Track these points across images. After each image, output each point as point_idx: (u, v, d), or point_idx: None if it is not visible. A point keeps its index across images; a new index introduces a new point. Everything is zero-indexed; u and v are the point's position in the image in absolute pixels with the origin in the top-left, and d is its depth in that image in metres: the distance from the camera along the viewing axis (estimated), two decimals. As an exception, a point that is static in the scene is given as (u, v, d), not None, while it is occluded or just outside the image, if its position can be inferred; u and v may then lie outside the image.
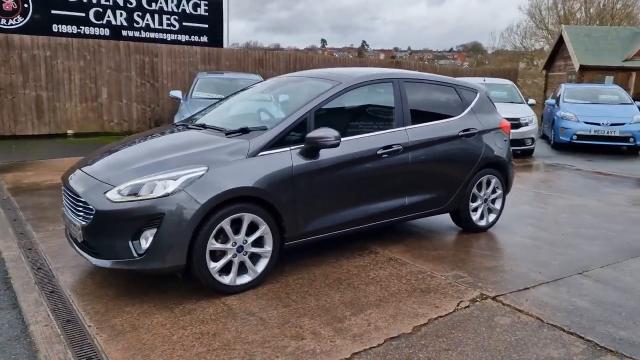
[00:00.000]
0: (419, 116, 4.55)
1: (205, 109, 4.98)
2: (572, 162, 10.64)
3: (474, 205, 5.04)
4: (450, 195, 4.78)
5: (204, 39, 13.32)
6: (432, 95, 4.78)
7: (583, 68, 17.41)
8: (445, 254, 4.49)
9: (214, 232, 3.41)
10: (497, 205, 5.27)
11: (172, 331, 3.07)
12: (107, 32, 12.06)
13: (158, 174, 3.37)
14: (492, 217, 5.25)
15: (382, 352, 2.87)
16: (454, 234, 5.13)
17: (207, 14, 13.05)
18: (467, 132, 4.84)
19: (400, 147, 4.28)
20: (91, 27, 11.88)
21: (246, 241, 3.56)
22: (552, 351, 2.89)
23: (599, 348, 2.94)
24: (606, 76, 17.60)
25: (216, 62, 12.85)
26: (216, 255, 3.48)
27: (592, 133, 12.17)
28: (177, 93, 9.49)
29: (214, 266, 3.46)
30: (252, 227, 3.58)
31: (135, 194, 3.31)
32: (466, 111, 4.96)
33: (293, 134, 3.81)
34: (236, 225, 3.51)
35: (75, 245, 3.66)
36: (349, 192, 4.05)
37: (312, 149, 3.79)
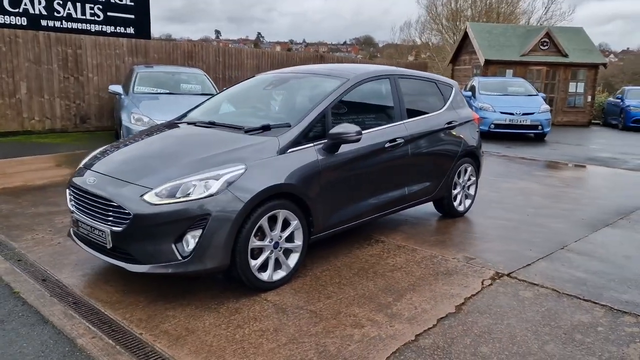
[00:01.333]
0: (412, 110, 4.82)
1: (197, 106, 4.87)
2: (495, 149, 11.57)
3: (454, 192, 5.42)
4: (438, 183, 5.12)
5: (130, 30, 12.64)
6: (419, 90, 5.07)
7: (488, 62, 18.86)
8: (443, 238, 4.81)
9: (254, 230, 3.42)
10: (472, 191, 5.72)
11: (231, 331, 3.07)
12: (24, 21, 11.03)
13: (196, 174, 3.31)
14: (467, 202, 5.68)
15: (439, 331, 3.09)
16: (437, 219, 5.49)
17: (132, 3, 12.39)
18: (450, 125, 5.19)
19: (403, 140, 4.52)
20: (6, 16, 10.80)
21: (280, 237, 3.61)
22: (580, 317, 3.29)
23: (614, 311, 3.39)
24: (507, 70, 19.22)
25: (144, 54, 12.28)
26: (254, 253, 3.50)
27: (507, 122, 13.36)
28: (117, 88, 9.00)
29: (254, 264, 3.48)
30: (284, 223, 3.63)
31: (174, 196, 3.23)
32: (447, 105, 5.31)
33: (314, 130, 3.89)
34: (271, 222, 3.54)
35: (99, 253, 3.47)
36: (362, 185, 4.22)
37: (334, 145, 3.90)
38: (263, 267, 3.56)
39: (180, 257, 3.24)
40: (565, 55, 19.26)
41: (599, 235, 5.08)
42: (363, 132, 4.18)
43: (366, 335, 3.03)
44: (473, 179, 5.68)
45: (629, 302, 3.52)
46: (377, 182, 4.36)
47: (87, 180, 3.56)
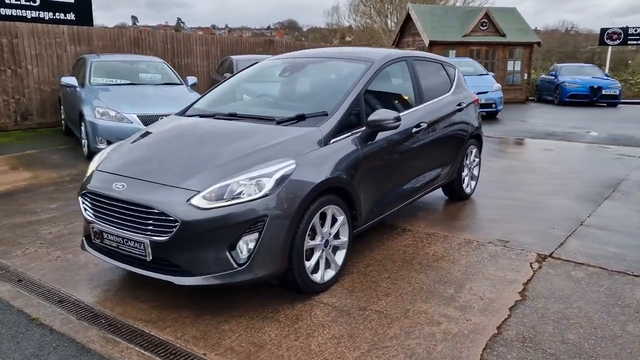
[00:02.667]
0: (427, 94, 4.67)
1: (202, 96, 4.46)
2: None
3: (463, 174, 5.37)
4: (452, 166, 5.03)
5: (71, 16, 11.61)
6: (430, 72, 4.92)
7: (432, 43, 19.14)
8: (466, 223, 4.74)
9: (309, 229, 3.16)
10: (476, 172, 5.69)
11: (303, 341, 2.81)
12: (-51, 8, 9.82)
13: (243, 173, 2.99)
14: (473, 183, 5.65)
15: (517, 321, 2.98)
16: (447, 203, 5.42)
17: (71, -13, 11.38)
18: (460, 107, 5.10)
19: (425, 124, 4.37)
20: None
21: (330, 234, 3.37)
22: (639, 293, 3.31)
23: (668, 284, 3.45)
24: (450, 50, 19.62)
25: (87, 42, 11.34)
26: (307, 254, 3.23)
27: (463, 101, 13.60)
28: (71, 80, 8.20)
29: (308, 265, 3.22)
30: (332, 220, 3.39)
31: (222, 198, 2.90)
32: (453, 87, 5.22)
33: (350, 118, 3.65)
34: (320, 219, 3.29)
35: (134, 267, 3.08)
36: (395, 173, 4.04)
37: (373, 132, 3.68)
38: (314, 268, 3.31)
39: (235, 265, 2.92)
40: (503, 35, 19.91)
41: (604, 209, 5.19)
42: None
43: (448, 333, 2.87)
44: (477, 160, 5.65)
45: (676, 275, 3.59)
46: (406, 169, 4.20)
47: (114, 186, 3.12)
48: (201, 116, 4.01)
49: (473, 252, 3.99)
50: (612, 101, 18.44)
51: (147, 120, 7.14)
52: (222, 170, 3.03)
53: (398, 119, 3.64)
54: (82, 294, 3.39)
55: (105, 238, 3.15)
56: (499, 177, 6.65)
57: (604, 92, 18.23)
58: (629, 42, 22.26)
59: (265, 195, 2.92)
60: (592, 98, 18.30)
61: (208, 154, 3.24)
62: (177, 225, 2.85)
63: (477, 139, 5.54)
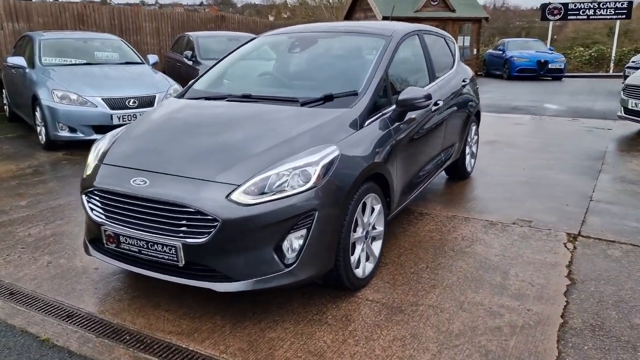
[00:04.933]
0: (438, 69, 4.45)
1: (201, 76, 4.02)
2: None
3: (465, 152, 5.22)
4: (460, 144, 4.87)
5: (6, -11, 10.47)
6: (437, 47, 4.69)
7: (385, 19, 18.95)
8: (480, 204, 4.60)
9: (353, 221, 2.88)
10: (475, 150, 5.57)
11: (365, 346, 2.55)
12: None
13: (284, 163, 2.65)
14: (472, 162, 5.53)
15: (578, 308, 2.85)
16: (450, 183, 5.27)
17: (5, -44, 10.21)
18: (465, 83, 4.92)
19: (442, 101, 4.15)
20: None
21: (369, 225, 3.10)
22: (683, 269, 3.28)
23: (703, 258, 3.43)
24: (403, 25, 19.52)
25: (26, 19, 10.29)
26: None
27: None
28: (19, 60, 7.37)
29: (353, 260, 2.95)
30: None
31: (264, 192, 2.56)
32: (456, 61, 5.02)
33: (380, 97, 3.37)
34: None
35: (163, 274, 2.69)
36: (419, 154, 3.81)
37: (403, 112, 3.42)
38: (357, 263, 3.04)
39: (283, 266, 2.60)
40: (453, 10, 20.04)
41: (604, 183, 5.21)
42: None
43: (514, 325, 2.69)
44: (476, 137, 5.53)
45: None
46: (427, 149, 3.98)
47: (134, 182, 2.69)
48: (207, 98, 3.59)
49: (502, 235, 3.85)
50: (557, 75, 19.06)
51: (114, 103, 6.55)
52: (259, 160, 2.68)
53: (429, 97, 3.39)
54: (92, 305, 2.96)
55: (123, 242, 2.73)
56: (486, 153, 6.58)
57: (550, 66, 18.80)
58: (569, 17, 23.00)
59: (313, 187, 2.60)
60: (539, 72, 18.83)
61: (238, 141, 2.87)
62: (216, 225, 2.49)
63: (477, 116, 5.40)
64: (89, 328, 2.73)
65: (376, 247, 3.23)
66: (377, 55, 3.56)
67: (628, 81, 7.92)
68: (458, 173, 5.23)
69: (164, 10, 14.23)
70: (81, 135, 6.50)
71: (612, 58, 22.61)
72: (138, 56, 8.27)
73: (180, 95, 3.81)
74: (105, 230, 2.79)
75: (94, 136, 6.50)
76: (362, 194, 2.92)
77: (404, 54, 3.92)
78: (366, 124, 3.13)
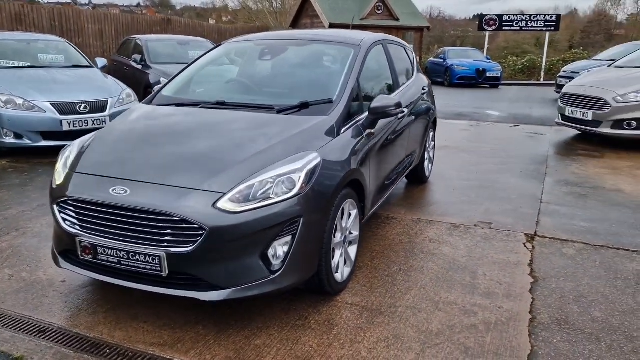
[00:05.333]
0: (400, 78, 4.60)
1: (167, 82, 3.95)
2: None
3: (425, 157, 5.41)
4: (421, 150, 5.05)
5: None
6: (399, 56, 4.84)
7: (332, 26, 19.24)
8: (442, 207, 4.77)
9: (334, 227, 2.94)
10: (432, 155, 5.78)
11: (351, 349, 2.61)
12: None
13: (267, 170, 2.67)
14: (430, 166, 5.73)
15: (543, 304, 3.04)
16: (410, 188, 5.44)
17: None
18: (424, 91, 5.11)
19: (406, 109, 4.30)
20: None
21: (346, 229, 3.18)
22: (634, 265, 3.55)
23: (646, 254, 3.74)
24: (349, 32, 19.89)
25: (-42, 18, 9.70)
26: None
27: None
28: (-44, 62, 6.94)
29: (333, 265, 3.01)
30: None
31: (249, 199, 2.58)
32: (415, 70, 5.20)
33: (353, 105, 3.46)
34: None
35: (144, 284, 2.64)
36: (387, 161, 3.93)
37: (375, 120, 3.53)
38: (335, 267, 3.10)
39: (269, 273, 2.62)
40: (397, 19, 20.64)
41: (549, 186, 5.54)
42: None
43: (488, 323, 2.84)
44: (433, 143, 5.74)
45: (648, 245, 3.92)
46: (394, 155, 4.11)
47: (113, 191, 2.63)
48: (179, 105, 3.55)
49: (466, 236, 4.03)
50: (494, 83, 19.97)
51: (64, 108, 6.30)
52: (242, 168, 2.69)
53: (399, 105, 3.51)
54: (64, 319, 2.86)
55: (101, 253, 2.66)
56: (440, 158, 6.80)
57: (488, 74, 19.67)
58: (503, 28, 24.19)
59: (298, 194, 2.64)
60: (478, 80, 19.66)
61: (219, 149, 2.87)
62: (203, 234, 2.48)
63: (434, 123, 5.61)
64: (64, 343, 2.64)
65: (352, 251, 3.31)
66: (348, 63, 3.65)
67: (565, 90, 8.45)
68: (417, 177, 5.41)
69: (107, 12, 13.79)
70: (28, 142, 6.20)
71: (543, 67, 23.96)
72: (86, 59, 7.98)
73: (149, 102, 3.74)
74: (80, 242, 2.70)
75: (42, 143, 6.23)
76: (341, 200, 2.99)
77: (371, 62, 4.03)
78: (342, 131, 3.21)
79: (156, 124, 3.27)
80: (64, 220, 2.78)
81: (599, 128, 7.59)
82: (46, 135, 6.23)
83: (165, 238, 2.53)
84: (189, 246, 2.49)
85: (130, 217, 2.58)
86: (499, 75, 19.89)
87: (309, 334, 2.74)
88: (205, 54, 4.23)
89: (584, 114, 7.81)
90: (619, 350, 2.61)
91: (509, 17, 23.92)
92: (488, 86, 20.02)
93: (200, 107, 3.42)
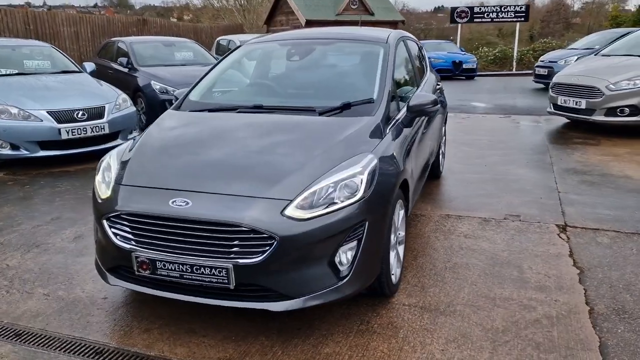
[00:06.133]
0: (419, 74, 4.59)
1: (193, 87, 3.82)
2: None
3: (440, 151, 5.42)
4: (439, 146, 5.05)
5: None
6: (415, 52, 4.82)
7: (308, 22, 19.15)
8: (465, 202, 4.78)
9: (392, 228, 2.91)
10: (444, 149, 5.79)
11: (423, 351, 2.58)
12: None
13: (331, 174, 2.62)
14: (443, 161, 5.75)
15: (597, 294, 3.07)
16: (425, 183, 5.43)
17: None
18: (439, 87, 5.11)
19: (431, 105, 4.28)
20: None
21: (397, 230, 3.14)
22: (667, 251, 3.64)
23: (677, 239, 3.83)
24: (325, 28, 19.84)
25: None
26: (385, 255, 2.98)
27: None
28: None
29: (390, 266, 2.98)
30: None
31: (314, 205, 2.52)
32: (428, 66, 5.20)
33: (391, 103, 3.42)
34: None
35: (209, 298, 2.55)
36: (421, 158, 3.91)
37: (413, 118, 3.50)
38: (388, 268, 3.06)
39: (337, 280, 2.57)
40: (372, 14, 20.68)
41: (559, 175, 5.62)
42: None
43: (550, 317, 2.85)
44: (444, 137, 5.75)
45: (675, 230, 4.01)
46: (424, 152, 4.09)
47: (173, 203, 2.53)
48: (212, 110, 3.45)
49: (499, 230, 4.05)
50: (470, 74, 20.24)
51: (61, 116, 6.08)
52: (303, 174, 2.62)
53: (436, 102, 3.50)
54: (118, 338, 2.74)
55: (161, 268, 2.55)
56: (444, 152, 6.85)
57: (464, 66, 19.91)
58: (475, 20, 24.52)
59: (363, 197, 2.59)
60: (454, 72, 19.89)
61: (273, 155, 2.80)
62: (273, 243, 2.41)
63: (446, 118, 5.62)
64: (127, 364, 2.53)
65: (401, 251, 3.28)
66: (380, 61, 3.61)
67: (556, 79, 8.60)
68: (433, 172, 5.41)
69: (83, 15, 13.37)
70: (25, 152, 5.94)
71: (515, 57, 24.40)
72: (74, 64, 7.71)
73: (177, 107, 3.62)
74: (137, 257, 2.58)
75: (40, 153, 5.99)
76: (395, 200, 2.95)
77: (398, 60, 3.99)
78: (387, 130, 3.16)
79: (199, 131, 3.17)
80: (116, 235, 2.66)
81: (593, 116, 7.76)
82: (44, 145, 5.99)
83: (233, 249, 2.44)
84: (258, 256, 2.42)
85: (194, 230, 2.48)
86: (475, 66, 20.17)
87: (376, 338, 2.70)
88: (225, 56, 4.12)
89: (577, 102, 7.97)
90: (683, 336, 2.65)
91: (480, 9, 24.27)
92: (464, 78, 20.27)
93: (239, 112, 3.32)
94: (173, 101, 3.93)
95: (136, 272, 2.63)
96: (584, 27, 45.61)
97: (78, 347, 2.67)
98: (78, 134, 6.14)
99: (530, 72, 19.93)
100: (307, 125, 3.08)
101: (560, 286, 3.18)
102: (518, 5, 23.78)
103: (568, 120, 8.82)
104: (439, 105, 3.54)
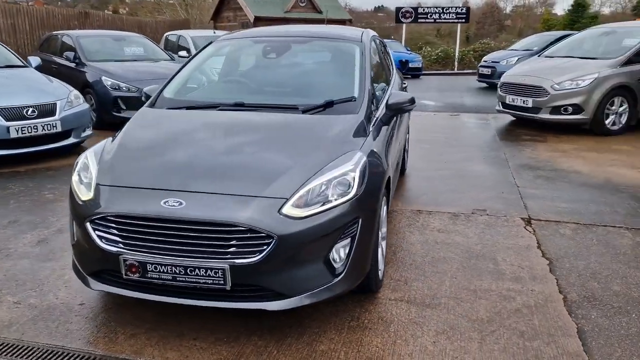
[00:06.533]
0: (388, 73, 4.67)
1: (165, 85, 3.71)
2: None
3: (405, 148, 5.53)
4: (405, 144, 5.16)
5: None
6: (384, 51, 4.90)
7: (257, 19, 19.00)
8: (431, 199, 4.90)
9: (380, 225, 2.96)
10: (407, 147, 5.92)
11: (415, 344, 2.65)
12: None
13: (324, 172, 2.63)
14: (407, 158, 5.87)
15: (567, 283, 3.25)
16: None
17: None
18: (404, 85, 5.22)
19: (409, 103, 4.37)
20: None
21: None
22: (622, 240, 3.89)
23: (633, 229, 4.10)
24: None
25: None
26: (372, 251, 3.03)
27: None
28: None
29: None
30: (379, 211, 3.22)
31: (309, 204, 2.53)
32: (394, 65, 5.29)
33: (371, 102, 3.47)
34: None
35: (203, 300, 2.50)
36: (396, 154, 3.97)
37: (392, 116, 3.57)
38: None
39: (332, 277, 2.59)
40: (320, 12, 20.76)
41: (515, 170, 5.89)
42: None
43: (528, 306, 3.00)
44: (408, 135, 5.88)
45: (630, 215, 4.30)
46: (397, 149, 4.16)
47: (166, 203, 2.45)
48: (189, 108, 3.37)
49: (470, 224, 4.19)
50: (416, 73, 20.74)
51: (10, 114, 5.75)
52: (296, 172, 2.62)
53: (413, 100, 3.58)
54: (103, 345, 2.64)
55: (151, 271, 2.47)
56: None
57: (410, 65, 20.39)
58: (419, 20, 25.14)
59: (356, 194, 2.62)
60: (401, 71, 20.29)
61: (263, 153, 2.77)
62: (271, 242, 2.40)
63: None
64: (117, 370, 2.44)
65: (384, 247, 3.33)
66: (358, 60, 3.65)
67: (504, 79, 8.97)
68: (400, 169, 5.51)
69: (20, 6, 12.63)
70: (-30, 152, 5.57)
71: (456, 57, 25.22)
72: (18, 58, 7.29)
73: (151, 105, 3.51)
74: (125, 260, 2.49)
75: (-12, 153, 5.63)
76: (382, 197, 3.00)
77: (372, 58, 4.05)
78: (370, 128, 3.21)
79: (183, 130, 3.09)
80: (101, 238, 2.55)
81: (539, 114, 8.16)
82: (-9, 144, 5.64)
83: (230, 250, 2.41)
84: (255, 256, 2.40)
85: (188, 230, 2.42)
86: (421, 65, 20.70)
87: (369, 334, 2.74)
88: (197, 53, 4.03)
89: (524, 101, 8.36)
90: (649, 319, 2.86)
91: (424, 10, 24.91)
92: (410, 76, 20.73)
93: (220, 109, 3.26)
94: (143, 98, 3.80)
95: (124, 276, 2.53)
96: (515, 29, 47.81)
97: (61, 357, 2.55)
98: (28, 132, 5.82)
99: (471, 71, 20.76)
100: (294, 123, 3.07)
101: (534, 276, 3.34)
102: (459, 7, 24.63)
103: (514, 118, 9.22)
104: (415, 104, 3.62)
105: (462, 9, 24.54)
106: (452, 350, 2.59)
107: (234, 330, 2.74)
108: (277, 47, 3.99)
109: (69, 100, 6.38)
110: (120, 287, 2.60)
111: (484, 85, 15.58)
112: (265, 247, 2.39)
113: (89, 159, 2.89)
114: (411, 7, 24.80)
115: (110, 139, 3.16)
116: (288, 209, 2.46)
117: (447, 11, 24.54)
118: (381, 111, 3.52)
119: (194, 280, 2.44)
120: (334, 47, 3.94)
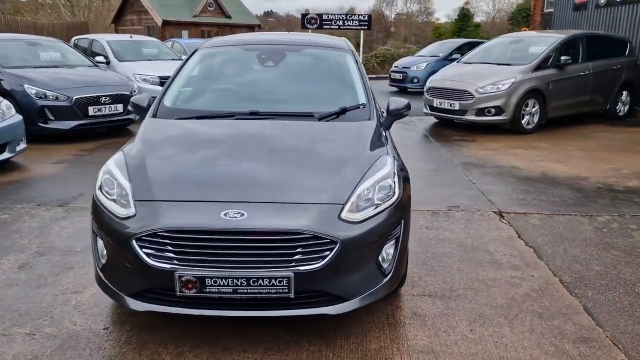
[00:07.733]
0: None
1: (162, 95, 3.57)
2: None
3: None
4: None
5: None
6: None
7: (165, 22, 18.34)
8: (403, 197, 5.16)
9: (408, 225, 3.12)
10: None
11: (456, 334, 2.84)
12: None
13: (368, 177, 2.75)
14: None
15: (557, 268, 3.63)
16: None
17: None
18: (369, 90, 5.42)
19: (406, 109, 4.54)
20: None
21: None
22: (584, 227, 4.39)
23: (589, 216, 4.64)
24: (182, 30, 19.19)
25: None
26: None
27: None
28: None
29: (402, 262, 3.18)
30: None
31: (360, 208, 2.64)
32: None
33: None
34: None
35: (267, 310, 2.50)
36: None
37: (392, 121, 3.75)
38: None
39: (383, 277, 2.71)
40: (229, 17, 20.55)
41: (465, 169, 6.35)
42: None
43: (535, 290, 3.32)
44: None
45: (578, 204, 4.85)
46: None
47: (226, 216, 2.41)
48: (199, 118, 3.30)
49: (452, 220, 4.49)
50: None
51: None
52: (344, 178, 2.72)
53: (409, 106, 3.78)
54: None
55: (210, 285, 2.42)
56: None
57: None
58: (324, 27, 25.75)
59: (399, 198, 2.76)
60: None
61: (306, 160, 2.84)
62: (334, 247, 2.46)
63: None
64: (183, 392, 2.36)
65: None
66: (354, 67, 3.80)
67: (430, 84, 9.56)
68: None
69: None
70: None
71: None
72: None
73: (153, 115, 3.37)
74: (180, 276, 2.41)
75: None
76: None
77: (358, 66, 4.21)
78: (384, 133, 3.37)
79: (213, 140, 3.02)
80: (149, 255, 2.45)
81: (465, 116, 8.83)
82: None
83: (295, 257, 2.43)
84: (319, 262, 2.44)
85: (251, 241, 2.41)
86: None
87: (409, 329, 2.88)
88: (186, 60, 3.92)
89: (451, 104, 8.99)
90: (633, 293, 3.29)
91: (328, 17, 25.54)
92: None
93: (236, 118, 3.23)
94: (130, 108, 3.64)
95: (178, 293, 2.45)
96: (400, 35, 50.73)
97: (112, 384, 2.40)
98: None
99: (377, 76, 21.67)
100: (318, 130, 3.14)
101: (528, 264, 3.68)
102: (362, 15, 25.63)
103: (437, 120, 9.86)
104: (411, 109, 3.82)
105: (364, 17, 25.56)
106: (490, 336, 2.81)
107: (281, 339, 2.75)
108: (271, 55, 4.00)
109: (0, 111, 5.82)
110: (171, 305, 2.50)
111: (395, 89, 16.36)
112: (328, 252, 2.45)
113: (114, 174, 2.74)
114: (316, 14, 25.33)
115: (122, 152, 3.00)
116: (346, 214, 2.53)
117: (351, 18, 25.47)
118: (384, 117, 3.68)
119: (257, 291, 2.43)
120: (327, 55, 4.04)
